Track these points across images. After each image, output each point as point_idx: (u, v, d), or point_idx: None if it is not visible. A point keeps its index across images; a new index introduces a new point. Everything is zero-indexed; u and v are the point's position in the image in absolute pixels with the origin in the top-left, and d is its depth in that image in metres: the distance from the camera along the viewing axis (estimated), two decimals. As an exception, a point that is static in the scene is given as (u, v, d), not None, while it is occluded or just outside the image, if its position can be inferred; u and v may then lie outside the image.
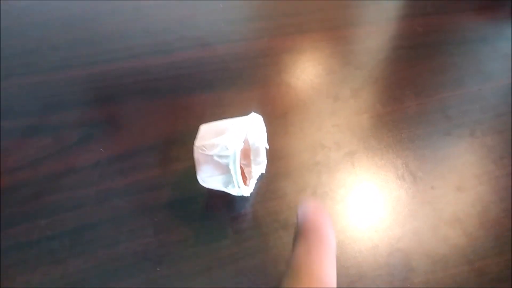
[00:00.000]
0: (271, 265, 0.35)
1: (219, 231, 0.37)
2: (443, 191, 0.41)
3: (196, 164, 0.35)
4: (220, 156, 0.33)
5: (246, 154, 0.40)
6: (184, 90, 0.50)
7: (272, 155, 0.42)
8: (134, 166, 0.42)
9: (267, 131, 0.39)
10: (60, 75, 0.52)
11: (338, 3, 0.65)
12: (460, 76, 0.53)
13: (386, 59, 0.55)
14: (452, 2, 0.65)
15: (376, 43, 0.58)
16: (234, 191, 0.35)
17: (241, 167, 0.39)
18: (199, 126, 0.37)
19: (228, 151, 0.32)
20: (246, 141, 0.39)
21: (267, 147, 0.40)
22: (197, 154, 0.34)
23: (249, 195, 0.36)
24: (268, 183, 0.40)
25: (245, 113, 0.36)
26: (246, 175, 0.39)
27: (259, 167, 0.40)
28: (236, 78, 0.51)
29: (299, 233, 0.25)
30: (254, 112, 0.36)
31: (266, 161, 0.40)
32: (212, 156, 0.33)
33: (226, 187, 0.35)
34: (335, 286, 0.23)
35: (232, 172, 0.33)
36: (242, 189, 0.34)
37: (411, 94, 0.50)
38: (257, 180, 0.40)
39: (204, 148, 0.34)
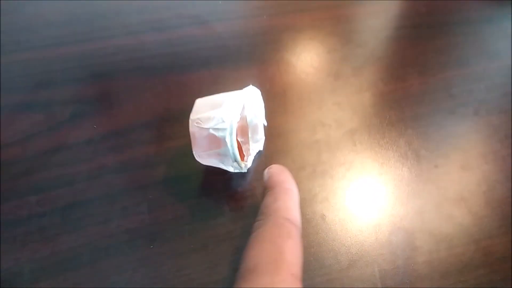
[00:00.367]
0: (268, 243, 0.34)
1: (215, 209, 0.36)
2: (447, 169, 0.39)
3: (191, 138, 0.34)
4: (216, 129, 0.31)
5: (244, 131, 0.39)
6: (180, 68, 0.49)
7: (271, 132, 0.41)
8: (127, 143, 0.41)
9: (265, 109, 0.38)
10: (53, 52, 0.51)
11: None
12: (465, 56, 0.51)
13: (388, 38, 0.54)
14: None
15: (378, 22, 0.57)
16: (231, 167, 0.34)
17: (238, 143, 0.38)
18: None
19: (225, 124, 0.31)
20: (244, 118, 0.38)
21: (266, 124, 0.39)
22: (193, 127, 0.33)
23: (246, 170, 0.35)
24: (266, 161, 0.39)
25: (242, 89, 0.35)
26: (243, 152, 0.38)
27: (257, 144, 0.39)
28: (233, 56, 0.50)
29: (266, 187, 0.30)
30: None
31: (264, 138, 0.39)
32: (208, 129, 0.32)
33: (222, 163, 0.34)
34: (300, 225, 0.27)
35: (229, 145, 0.31)
36: (239, 163, 0.33)
37: (414, 73, 0.49)
38: (254, 157, 0.39)
39: (199, 121, 0.32)
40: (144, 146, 0.41)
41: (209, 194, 0.37)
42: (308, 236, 0.34)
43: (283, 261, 0.23)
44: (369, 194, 0.37)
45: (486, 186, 0.38)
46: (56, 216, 0.36)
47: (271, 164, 0.32)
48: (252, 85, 0.36)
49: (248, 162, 0.37)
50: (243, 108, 0.35)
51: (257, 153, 0.39)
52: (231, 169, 0.34)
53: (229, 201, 0.37)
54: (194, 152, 0.35)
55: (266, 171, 0.31)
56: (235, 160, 0.33)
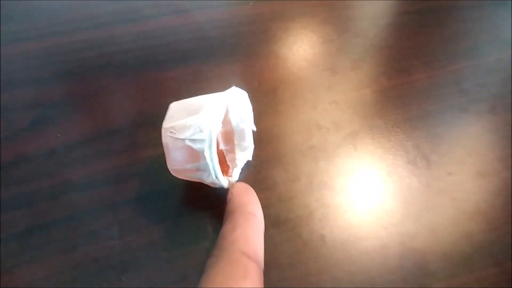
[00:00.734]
0: (259, 272, 0.30)
1: (196, 231, 0.33)
2: (462, 177, 0.36)
3: (165, 150, 0.30)
4: (193, 141, 0.28)
5: (229, 137, 0.35)
6: (156, 64, 0.46)
7: (260, 138, 0.37)
8: (96, 153, 0.38)
9: (253, 110, 0.35)
10: (11, 48, 0.48)
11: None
12: (476, 45, 0.49)
13: (390, 26, 0.51)
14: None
15: (378, 8, 0.54)
16: (212, 183, 0.30)
17: (222, 153, 0.34)
18: (170, 104, 0.32)
19: (203, 134, 0.27)
20: (228, 122, 0.34)
21: (254, 129, 0.35)
22: (166, 138, 0.30)
23: (230, 186, 0.32)
24: (255, 172, 0.36)
25: (226, 89, 0.32)
26: (229, 163, 0.34)
27: (244, 153, 0.36)
28: (216, 49, 0.48)
29: (226, 211, 0.28)
30: (237, 87, 0.32)
31: (253, 145, 0.36)
32: (183, 140, 0.28)
33: (202, 177, 0.30)
34: (261, 260, 0.25)
35: (208, 159, 0.28)
36: (221, 180, 0.29)
37: (420, 65, 0.46)
38: (242, 168, 0.35)
39: (173, 131, 0.29)
40: (115, 157, 0.37)
41: (190, 213, 0.34)
42: (306, 262, 0.31)
43: None
44: (374, 209, 0.34)
45: (507, 195, 0.35)
46: (12, 243, 0.32)
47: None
48: (238, 83, 0.33)
49: (234, 176, 0.33)
50: (227, 112, 0.32)
51: (245, 163, 0.35)
52: (213, 185, 0.31)
53: (213, 221, 0.33)
54: (168, 166, 0.31)
55: (229, 191, 0.29)
56: (216, 177, 0.29)
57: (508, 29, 0.51)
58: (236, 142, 0.35)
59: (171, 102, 0.33)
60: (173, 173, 0.31)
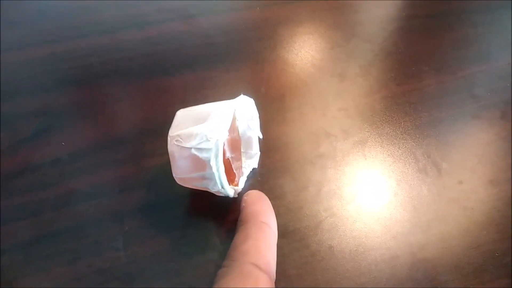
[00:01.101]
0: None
1: (203, 241, 0.33)
2: (473, 186, 0.36)
3: (170, 158, 0.31)
4: (199, 150, 0.28)
5: (235, 145, 0.35)
6: (161, 70, 0.46)
7: (267, 145, 0.38)
8: (101, 163, 0.38)
9: (260, 117, 0.35)
10: (16, 55, 0.48)
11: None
12: (487, 49, 0.49)
13: (399, 30, 0.51)
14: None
15: (387, 12, 0.54)
16: (218, 192, 0.30)
17: (228, 161, 0.34)
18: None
19: (209, 143, 0.27)
20: (235, 130, 0.34)
21: (261, 136, 0.36)
22: (172, 146, 0.30)
23: (236, 196, 0.32)
24: (262, 181, 0.36)
25: (233, 96, 0.32)
26: (235, 171, 0.35)
27: (251, 161, 0.36)
28: (223, 55, 0.48)
29: (239, 220, 0.27)
30: (244, 94, 0.32)
31: (259, 153, 0.36)
32: (189, 148, 0.28)
33: (208, 186, 0.30)
34: (273, 272, 0.25)
35: (214, 169, 0.28)
36: (227, 190, 0.30)
37: (431, 71, 0.46)
38: (248, 176, 0.35)
39: (180, 139, 0.29)
40: (120, 166, 0.37)
41: (196, 224, 0.34)
42: (314, 273, 0.31)
43: None
44: (384, 219, 0.34)
45: (520, 204, 0.35)
46: (16, 254, 0.32)
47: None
48: (245, 90, 0.33)
49: (240, 185, 0.33)
50: (234, 119, 0.32)
51: (250, 171, 0.36)
52: (219, 194, 0.31)
53: (220, 232, 0.33)
54: (174, 175, 0.31)
55: (243, 199, 0.29)
56: (222, 187, 0.29)
57: (520, 33, 0.51)
58: (243, 149, 0.36)
59: (177, 109, 0.33)
60: (178, 182, 0.32)
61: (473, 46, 0.49)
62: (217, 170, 0.28)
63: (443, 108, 0.42)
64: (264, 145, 0.37)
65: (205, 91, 0.43)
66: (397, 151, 0.38)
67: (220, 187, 0.29)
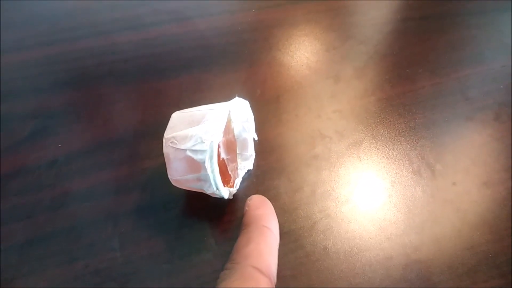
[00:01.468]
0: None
1: (198, 242, 0.33)
2: (467, 187, 0.36)
3: (165, 160, 0.31)
4: (194, 151, 0.28)
5: (231, 147, 0.35)
6: (157, 73, 0.46)
7: (262, 147, 0.38)
8: (96, 164, 0.38)
9: (255, 119, 0.35)
10: (12, 57, 0.48)
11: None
12: (481, 51, 0.49)
13: (394, 32, 0.52)
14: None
15: (382, 14, 0.54)
16: (213, 193, 0.31)
17: (224, 163, 0.35)
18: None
19: (204, 145, 0.28)
20: (231, 131, 0.34)
21: (256, 138, 0.36)
22: (167, 148, 0.30)
23: (231, 197, 0.32)
24: (257, 182, 0.36)
25: (228, 98, 0.32)
26: (230, 172, 0.35)
27: (246, 162, 0.36)
28: (218, 57, 0.48)
29: (242, 224, 0.28)
30: (239, 96, 0.32)
31: (254, 155, 0.36)
32: (184, 150, 0.28)
33: (203, 188, 0.30)
34: (274, 275, 0.25)
35: (209, 170, 0.28)
36: (222, 191, 0.30)
37: (425, 73, 0.46)
38: (243, 177, 0.35)
39: (175, 141, 0.29)
40: (115, 168, 0.38)
41: (191, 225, 0.34)
42: (309, 274, 0.31)
43: None
44: (378, 220, 0.34)
45: (513, 206, 0.35)
46: (12, 255, 0.32)
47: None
48: (240, 92, 0.33)
49: (235, 187, 0.34)
50: (229, 121, 0.33)
51: (246, 172, 0.36)
52: (214, 195, 0.31)
53: (215, 232, 0.33)
54: (169, 176, 0.31)
55: (246, 202, 0.30)
56: (217, 189, 0.29)
57: (513, 35, 0.51)
58: (238, 151, 0.36)
59: (173, 111, 0.33)
60: (173, 183, 0.32)
61: (467, 48, 0.49)
62: (212, 171, 0.28)
63: (437, 110, 0.42)
64: (260, 146, 0.37)
65: (201, 93, 0.43)
66: (392, 152, 0.38)
67: (215, 188, 0.29)
